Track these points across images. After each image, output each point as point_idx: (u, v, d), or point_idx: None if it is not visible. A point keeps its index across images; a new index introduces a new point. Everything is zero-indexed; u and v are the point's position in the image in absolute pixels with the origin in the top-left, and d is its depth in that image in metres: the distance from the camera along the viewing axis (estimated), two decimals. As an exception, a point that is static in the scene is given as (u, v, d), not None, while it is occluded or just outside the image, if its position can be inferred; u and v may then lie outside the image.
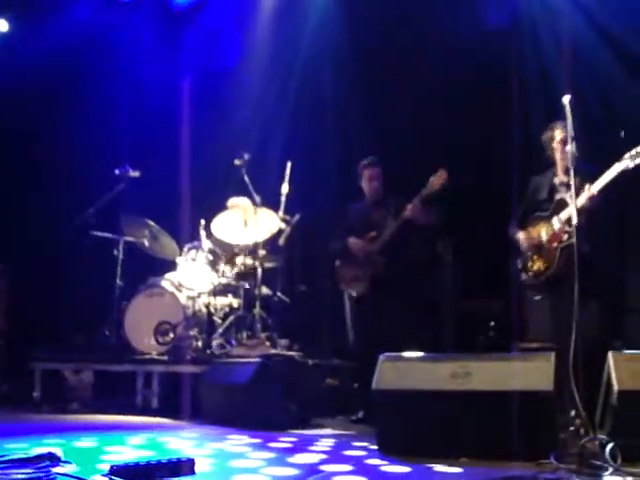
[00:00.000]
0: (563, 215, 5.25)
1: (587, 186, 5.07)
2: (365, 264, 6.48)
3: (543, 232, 5.41)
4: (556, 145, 5.48)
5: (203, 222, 7.58)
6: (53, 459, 3.62)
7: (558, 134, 5.44)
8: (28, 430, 5.33)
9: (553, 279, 5.31)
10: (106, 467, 3.42)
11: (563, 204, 5.29)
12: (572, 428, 4.31)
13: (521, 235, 5.60)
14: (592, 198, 5.06)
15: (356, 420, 6.23)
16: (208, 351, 7.05)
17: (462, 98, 7.63)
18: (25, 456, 3.62)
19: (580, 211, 5.02)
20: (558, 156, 5.49)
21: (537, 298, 5.64)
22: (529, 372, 4.21)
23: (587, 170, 5.18)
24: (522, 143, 7.08)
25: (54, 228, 8.30)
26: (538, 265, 5.42)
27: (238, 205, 7.49)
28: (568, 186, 4.87)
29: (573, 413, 4.41)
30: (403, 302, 6.37)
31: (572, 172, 4.74)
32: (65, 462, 3.66)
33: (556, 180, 5.55)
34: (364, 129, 8.18)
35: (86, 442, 4.65)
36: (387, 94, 8.13)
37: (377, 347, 5.13)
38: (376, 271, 6.41)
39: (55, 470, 3.48)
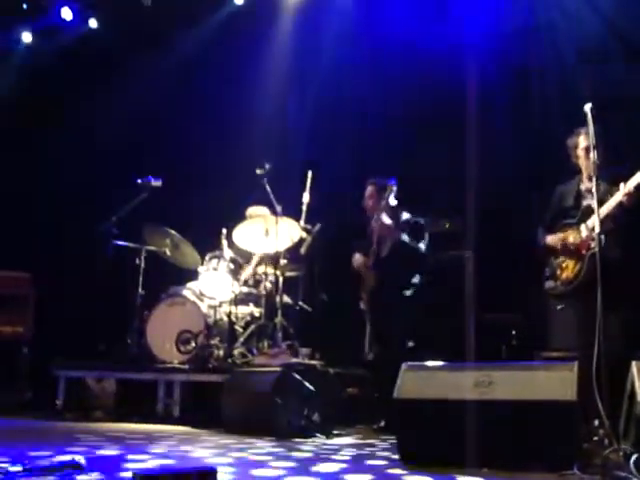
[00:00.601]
0: (590, 222, 5.20)
1: (622, 184, 5.03)
2: (365, 279, 6.75)
3: (571, 239, 5.36)
4: (580, 152, 5.44)
5: (225, 231, 7.61)
6: (76, 467, 3.64)
7: (582, 141, 5.40)
8: (51, 438, 5.37)
9: (581, 287, 5.25)
10: (129, 475, 3.43)
11: (590, 211, 5.23)
12: (596, 438, 4.28)
13: (550, 239, 5.54)
14: (629, 195, 5.00)
15: (378, 429, 6.22)
16: (229, 360, 7.06)
17: (484, 111, 7.64)
18: (48, 464, 3.64)
19: (608, 217, 5.01)
20: (582, 163, 5.45)
21: (559, 307, 5.60)
22: (552, 382, 4.17)
23: (615, 173, 5.14)
24: (542, 154, 7.08)
25: (78, 238, 8.38)
26: (567, 273, 5.36)
27: (259, 214, 7.53)
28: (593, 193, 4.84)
29: (597, 423, 4.37)
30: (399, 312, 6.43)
31: (594, 180, 4.73)
32: (88, 470, 3.67)
33: (582, 187, 5.50)
34: (384, 139, 8.21)
35: (109, 450, 4.67)
36: (407, 104, 8.12)
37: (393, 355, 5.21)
38: (369, 287, 6.66)
39: (78, 478, 3.50)
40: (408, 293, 6.47)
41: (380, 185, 6.65)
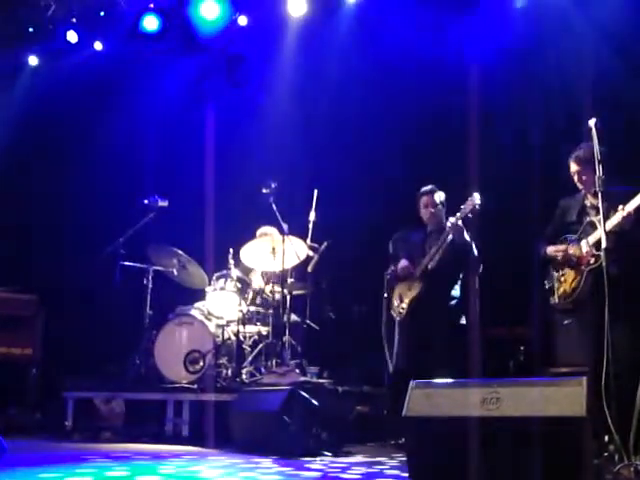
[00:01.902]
0: (591, 238, 5.21)
1: (621, 206, 5.04)
2: (405, 287, 6.44)
3: (571, 251, 5.36)
4: (574, 176, 5.46)
5: (231, 251, 7.64)
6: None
7: (572, 165, 5.44)
8: (61, 459, 5.37)
9: (580, 302, 5.26)
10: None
11: (592, 227, 5.26)
12: (606, 454, 4.26)
13: (550, 250, 5.55)
14: (628, 217, 5.01)
15: (396, 444, 6.17)
16: (238, 379, 7.06)
17: (487, 124, 7.67)
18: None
19: (610, 233, 5.01)
20: (578, 184, 5.47)
21: (566, 322, 5.59)
22: (561, 397, 4.15)
23: (619, 191, 5.15)
24: (545, 167, 7.10)
25: (85, 259, 8.41)
26: (564, 287, 5.37)
27: (266, 233, 7.55)
28: (598, 209, 4.85)
29: (607, 438, 4.35)
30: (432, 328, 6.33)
31: (600, 195, 4.74)
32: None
33: (587, 202, 5.51)
34: (389, 156, 8.24)
35: (118, 471, 4.67)
36: (412, 121, 8.15)
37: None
38: (411, 295, 6.36)
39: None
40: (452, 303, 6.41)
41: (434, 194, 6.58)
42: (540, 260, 5.68)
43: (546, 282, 5.57)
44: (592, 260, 5.14)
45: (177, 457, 5.57)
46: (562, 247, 5.42)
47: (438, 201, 6.55)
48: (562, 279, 5.39)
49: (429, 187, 6.64)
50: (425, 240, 6.58)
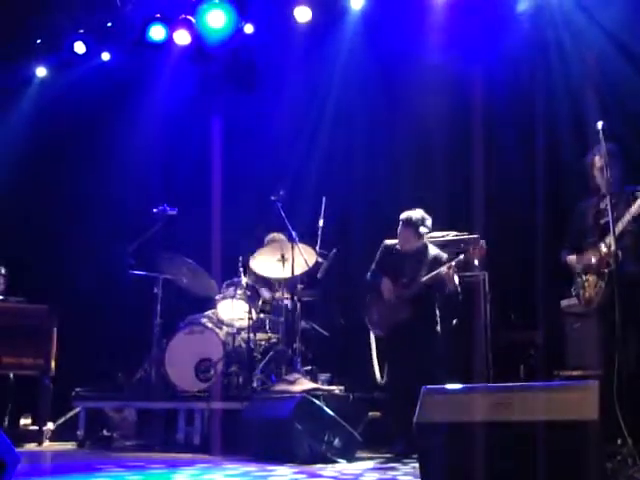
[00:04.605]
0: (608, 239, 5.20)
1: (638, 201, 5.04)
2: (391, 309, 6.37)
3: (592, 258, 5.36)
4: (596, 172, 5.46)
5: (241, 258, 7.65)
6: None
7: (597, 161, 5.43)
8: (74, 468, 5.39)
9: (602, 305, 5.25)
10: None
11: (607, 229, 5.24)
12: (619, 457, 4.26)
13: (570, 260, 5.54)
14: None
15: (395, 454, 6.16)
16: (249, 387, 7.07)
17: (497, 130, 7.69)
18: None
19: (623, 233, 5.02)
20: (600, 182, 5.46)
21: (576, 325, 5.59)
22: (573, 401, 4.15)
23: (633, 190, 5.17)
24: (555, 172, 7.10)
25: (95, 268, 8.45)
26: (589, 292, 5.36)
27: (275, 240, 7.57)
28: (612, 210, 4.87)
29: (620, 442, 4.35)
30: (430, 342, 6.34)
31: (609, 198, 4.75)
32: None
33: (602, 205, 5.50)
34: (396, 164, 8.25)
35: (132, 481, 4.69)
36: (420, 129, 8.17)
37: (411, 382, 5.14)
38: (396, 319, 6.32)
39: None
40: (438, 328, 6.40)
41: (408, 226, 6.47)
42: (564, 268, 5.66)
43: (572, 289, 5.55)
44: (611, 260, 5.13)
45: (191, 465, 5.58)
46: (583, 257, 5.41)
47: (413, 234, 6.42)
48: (586, 285, 5.37)
49: (405, 216, 6.46)
50: (404, 259, 6.48)
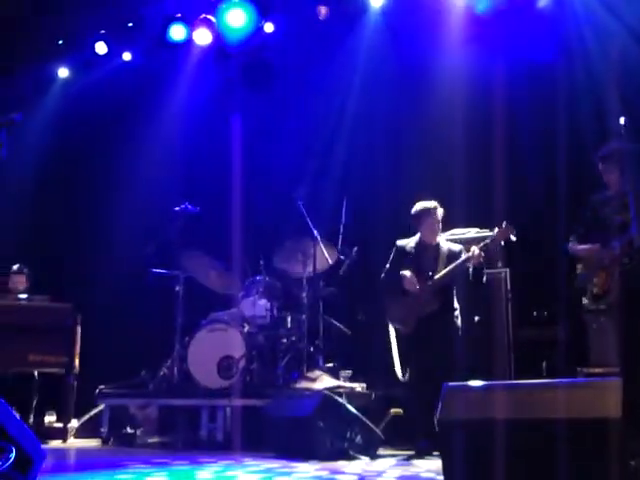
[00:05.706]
0: (623, 238, 5.18)
1: None
2: (418, 303, 6.32)
3: (603, 253, 5.34)
4: (608, 169, 5.44)
5: (262, 256, 7.69)
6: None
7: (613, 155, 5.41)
8: (99, 465, 5.45)
9: (613, 303, 5.24)
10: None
11: (623, 226, 5.22)
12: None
13: (582, 249, 5.51)
14: None
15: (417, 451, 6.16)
16: (271, 384, 7.10)
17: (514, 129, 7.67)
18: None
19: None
20: (610, 178, 5.44)
21: (598, 322, 5.57)
22: (596, 399, 4.15)
23: None
24: (577, 169, 7.07)
25: (118, 266, 8.51)
26: (597, 289, 5.35)
27: (298, 238, 7.59)
28: (627, 207, 4.85)
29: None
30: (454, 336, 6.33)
31: (630, 195, 4.74)
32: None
33: (615, 202, 5.48)
34: (417, 163, 8.24)
35: (157, 476, 4.73)
36: (440, 129, 8.15)
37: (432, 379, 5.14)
38: (425, 311, 6.28)
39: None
40: (459, 323, 6.39)
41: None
42: (568, 258, 5.65)
43: (576, 282, 5.54)
44: (626, 260, 5.11)
45: (214, 462, 5.62)
46: (594, 247, 5.39)
47: (438, 223, 6.46)
48: (595, 280, 5.36)
49: (423, 206, 6.46)
50: (419, 255, 6.48)
